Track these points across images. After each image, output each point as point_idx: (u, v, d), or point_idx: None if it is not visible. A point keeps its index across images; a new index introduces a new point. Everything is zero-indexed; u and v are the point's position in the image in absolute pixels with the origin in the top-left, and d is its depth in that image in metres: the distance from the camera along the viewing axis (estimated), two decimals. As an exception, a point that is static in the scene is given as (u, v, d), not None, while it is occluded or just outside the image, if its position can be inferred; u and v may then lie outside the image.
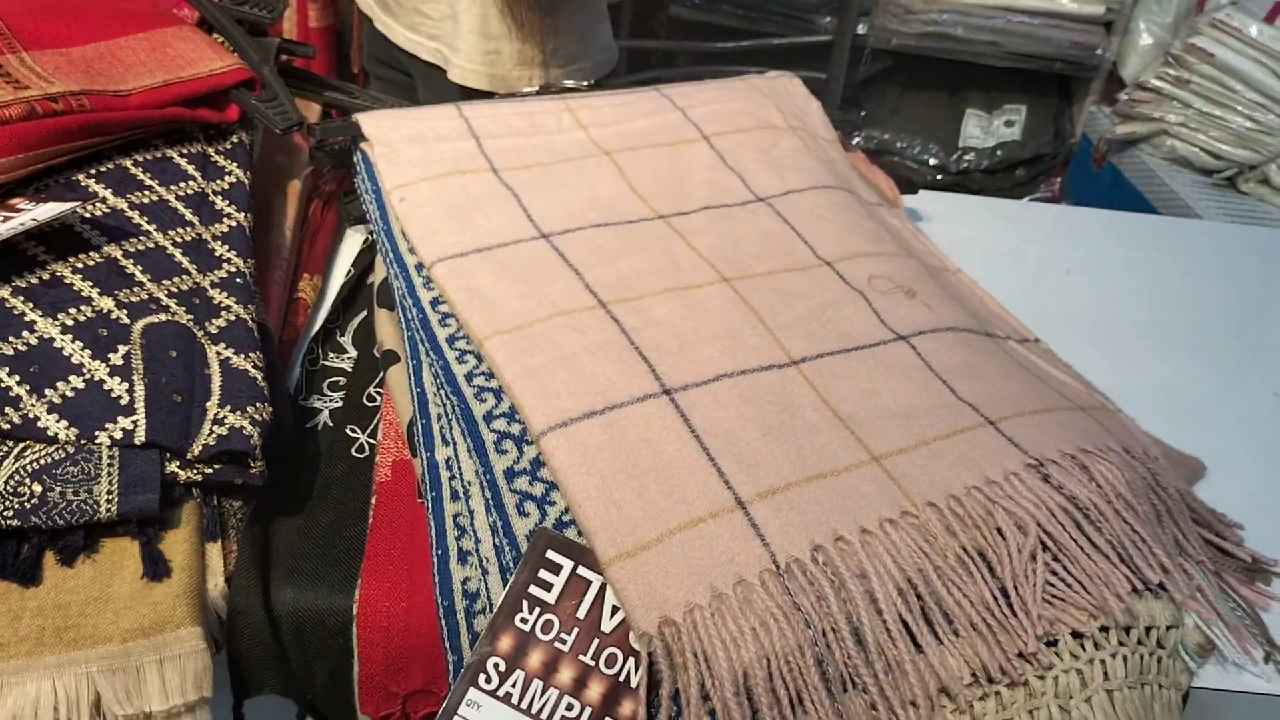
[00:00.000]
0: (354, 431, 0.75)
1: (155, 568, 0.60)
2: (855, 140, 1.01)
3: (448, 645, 0.60)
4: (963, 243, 1.00)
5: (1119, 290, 1.02)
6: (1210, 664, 0.65)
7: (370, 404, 0.77)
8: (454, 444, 0.66)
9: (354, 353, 0.82)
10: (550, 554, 0.60)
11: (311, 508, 0.69)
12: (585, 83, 1.09)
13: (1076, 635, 0.60)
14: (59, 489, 0.59)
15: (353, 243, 0.94)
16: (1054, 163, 1.88)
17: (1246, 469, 0.81)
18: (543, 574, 0.59)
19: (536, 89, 1.23)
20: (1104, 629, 0.60)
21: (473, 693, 0.57)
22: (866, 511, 0.62)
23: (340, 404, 0.77)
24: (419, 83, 1.46)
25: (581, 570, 0.60)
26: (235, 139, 0.84)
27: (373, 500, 0.69)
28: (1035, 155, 1.85)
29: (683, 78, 1.91)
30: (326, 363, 0.81)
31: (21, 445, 0.59)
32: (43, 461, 0.59)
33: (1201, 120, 1.59)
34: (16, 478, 0.58)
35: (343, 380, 0.80)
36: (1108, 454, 0.68)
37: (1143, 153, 1.66)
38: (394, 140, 0.86)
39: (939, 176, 1.89)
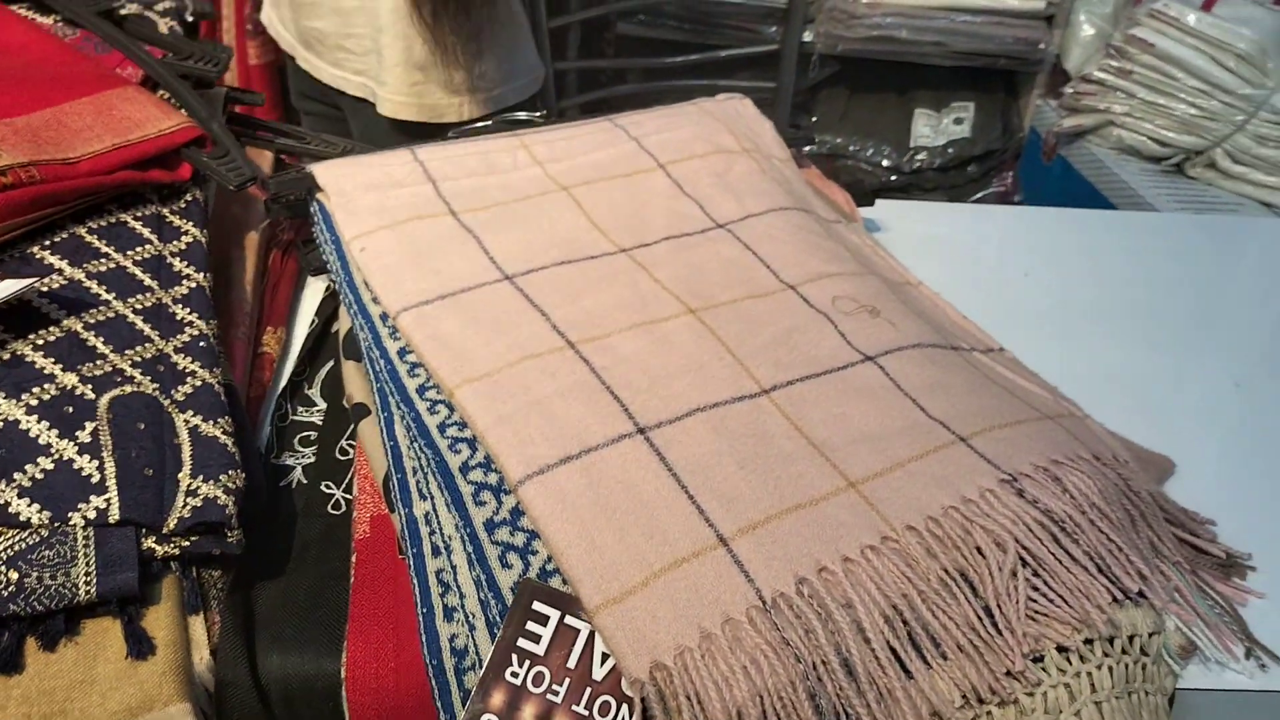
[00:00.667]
0: (329, 487, 0.74)
1: (139, 646, 0.59)
2: (807, 149, 1.01)
3: (439, 704, 0.60)
4: (921, 250, 1.01)
5: (1078, 289, 1.04)
6: (1193, 664, 0.66)
7: (343, 457, 0.77)
8: (431, 498, 0.66)
9: (323, 405, 0.82)
10: (536, 605, 0.60)
11: (291, 570, 0.68)
12: (537, 115, 1.09)
13: (1061, 649, 0.61)
14: (35, 574, 0.58)
15: (314, 291, 0.94)
16: (1004, 157, 1.91)
17: (1210, 461, 0.83)
18: (530, 626, 0.59)
19: (472, 119, 1.23)
20: (1088, 641, 0.61)
21: (468, 751, 0.57)
22: (847, 539, 0.62)
23: (313, 459, 0.77)
24: (349, 116, 1.46)
25: (569, 619, 0.59)
26: (189, 197, 0.83)
27: (353, 559, 0.68)
28: (986, 151, 1.88)
29: (633, 95, 1.92)
30: (296, 417, 0.81)
31: (-7, 533, 0.59)
32: (17, 547, 0.58)
33: (1146, 109, 1.62)
34: (-10, 566, 0.57)
35: (314, 435, 0.79)
36: (1079, 463, 0.69)
37: (1091, 144, 1.68)
38: (349, 189, 0.85)
39: (893, 178, 1.91)
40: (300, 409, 0.81)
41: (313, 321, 0.89)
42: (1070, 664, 0.61)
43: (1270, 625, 0.68)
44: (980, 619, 0.60)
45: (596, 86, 1.87)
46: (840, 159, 1.87)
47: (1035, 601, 0.62)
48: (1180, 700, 0.65)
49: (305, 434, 0.79)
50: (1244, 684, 0.66)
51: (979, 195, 1.92)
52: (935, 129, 1.88)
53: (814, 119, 1.90)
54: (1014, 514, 0.64)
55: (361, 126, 1.40)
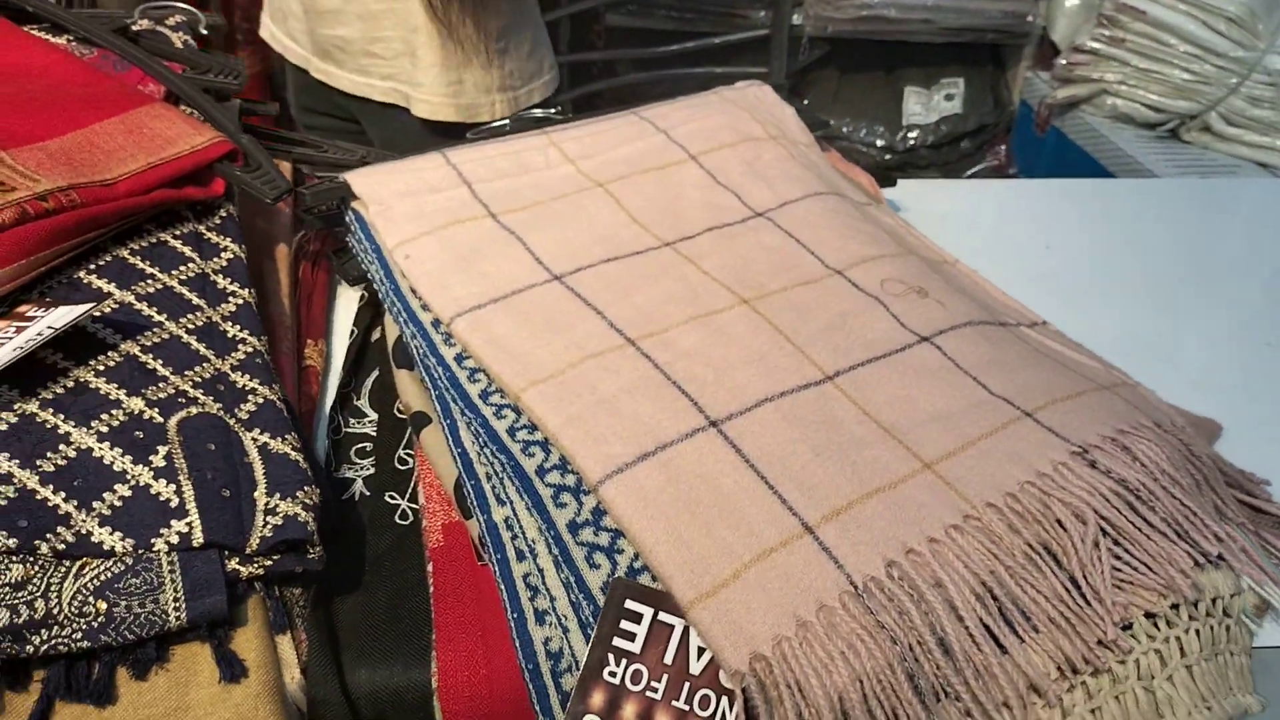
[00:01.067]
0: (393, 498, 0.74)
1: (231, 669, 0.58)
2: (819, 133, 1.02)
3: (538, 708, 0.60)
4: (945, 228, 1.01)
5: (1102, 259, 1.05)
6: (1266, 622, 0.67)
7: (403, 467, 0.77)
8: (510, 502, 0.66)
9: (374, 415, 0.81)
10: (629, 603, 0.60)
11: (367, 584, 0.68)
12: (553, 110, 1.09)
13: (1149, 616, 0.62)
14: (124, 603, 0.57)
15: (347, 301, 0.93)
16: (997, 131, 1.92)
17: (1253, 422, 0.83)
18: (624, 625, 0.59)
19: (502, 117, 1.23)
20: (1174, 606, 0.62)
21: (572, 753, 0.57)
22: (930, 520, 0.62)
23: (372, 470, 0.76)
24: (369, 125, 1.45)
25: (662, 616, 0.59)
26: (224, 213, 0.82)
27: (429, 568, 0.68)
28: (978, 126, 1.89)
29: (626, 86, 1.91)
30: (349, 429, 0.80)
31: (79, 563, 0.58)
32: (103, 577, 0.58)
33: (1140, 77, 1.63)
34: (80, 597, 0.57)
35: (369, 445, 0.79)
36: (1143, 431, 0.69)
37: (1085, 113, 1.70)
38: (386, 196, 0.84)
39: (887, 157, 1.91)
40: (352, 420, 0.81)
41: (352, 332, 0.88)
42: (1159, 630, 0.61)
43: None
44: (1068, 590, 0.61)
45: (587, 80, 1.86)
46: (833, 141, 1.87)
47: (1119, 570, 0.62)
48: (1256, 658, 0.66)
49: (361, 445, 0.79)
50: (1315, 639, 0.67)
51: (973, 170, 1.93)
52: (926, 106, 1.89)
53: (805, 102, 1.90)
54: (1089, 485, 0.65)
55: (387, 134, 1.40)
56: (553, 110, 1.11)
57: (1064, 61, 1.71)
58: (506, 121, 1.03)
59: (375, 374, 0.85)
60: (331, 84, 1.41)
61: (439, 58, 1.27)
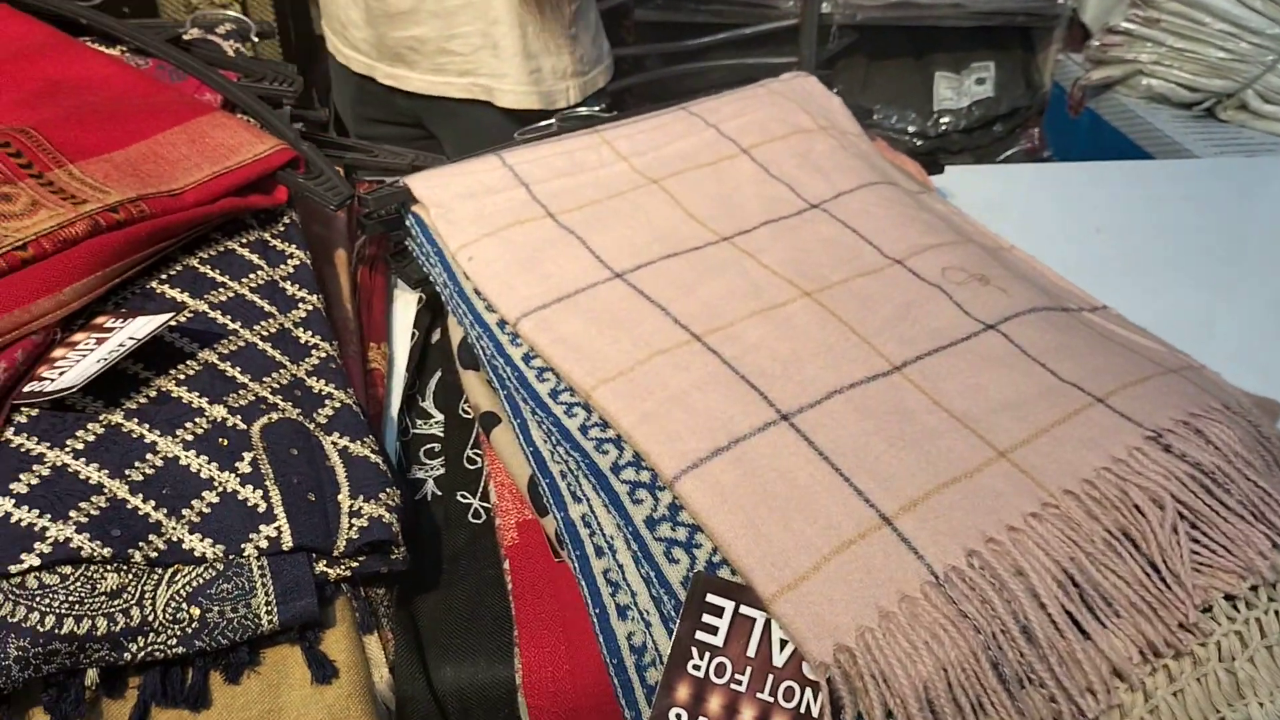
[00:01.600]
0: (465, 497, 0.75)
1: (323, 670, 0.59)
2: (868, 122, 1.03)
3: (623, 702, 0.60)
4: (994, 214, 1.01)
5: (1152, 240, 1.04)
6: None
7: (472, 466, 0.77)
8: (586, 499, 0.66)
9: (440, 416, 0.82)
10: (710, 597, 0.60)
11: (445, 583, 0.69)
12: (598, 108, 1.09)
13: (1229, 598, 0.62)
14: (217, 608, 0.58)
15: (405, 304, 0.94)
16: (1029, 114, 1.91)
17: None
18: (706, 618, 0.60)
19: (575, 103, 1.25)
20: (1253, 588, 0.62)
21: (661, 746, 0.58)
22: (1008, 509, 0.63)
23: (443, 470, 0.77)
24: (438, 126, 1.46)
25: (744, 609, 0.60)
26: (287, 220, 0.83)
27: (505, 565, 0.69)
28: (1010, 109, 1.88)
29: (657, 81, 1.91)
30: (417, 430, 0.81)
31: (171, 570, 0.59)
32: (195, 583, 0.59)
33: (1175, 56, 1.62)
34: (173, 604, 0.58)
35: (438, 446, 0.79)
36: (1214, 414, 0.69)
37: (1119, 94, 1.69)
38: (446, 199, 0.85)
39: (918, 143, 1.91)
40: (419, 421, 0.82)
41: (413, 334, 0.89)
42: (1239, 611, 0.62)
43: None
44: (1148, 575, 0.61)
45: (618, 75, 1.86)
46: (865, 128, 1.86)
47: (1198, 554, 0.63)
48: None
49: (429, 446, 0.79)
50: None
51: (1006, 154, 1.92)
52: (957, 91, 1.89)
53: (835, 90, 1.89)
54: (1165, 470, 0.65)
55: (459, 132, 1.41)
56: (598, 108, 1.11)
57: (1097, 43, 1.71)
58: (553, 122, 1.04)
59: (438, 375, 0.86)
60: (402, 88, 1.41)
61: (520, 47, 1.29)
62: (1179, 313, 0.91)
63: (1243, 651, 0.61)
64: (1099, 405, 0.69)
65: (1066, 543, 0.61)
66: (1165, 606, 0.61)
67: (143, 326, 0.66)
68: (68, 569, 0.56)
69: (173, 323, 0.69)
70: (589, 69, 1.40)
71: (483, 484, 0.76)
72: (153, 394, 0.66)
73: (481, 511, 0.74)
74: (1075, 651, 0.59)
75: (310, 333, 0.75)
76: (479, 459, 0.78)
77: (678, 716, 0.58)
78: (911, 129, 1.90)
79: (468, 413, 0.81)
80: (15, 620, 0.54)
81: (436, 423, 0.82)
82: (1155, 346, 0.79)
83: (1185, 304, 0.94)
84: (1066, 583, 0.60)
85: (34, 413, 0.63)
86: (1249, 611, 0.62)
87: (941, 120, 1.90)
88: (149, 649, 0.57)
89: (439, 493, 0.75)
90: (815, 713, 0.58)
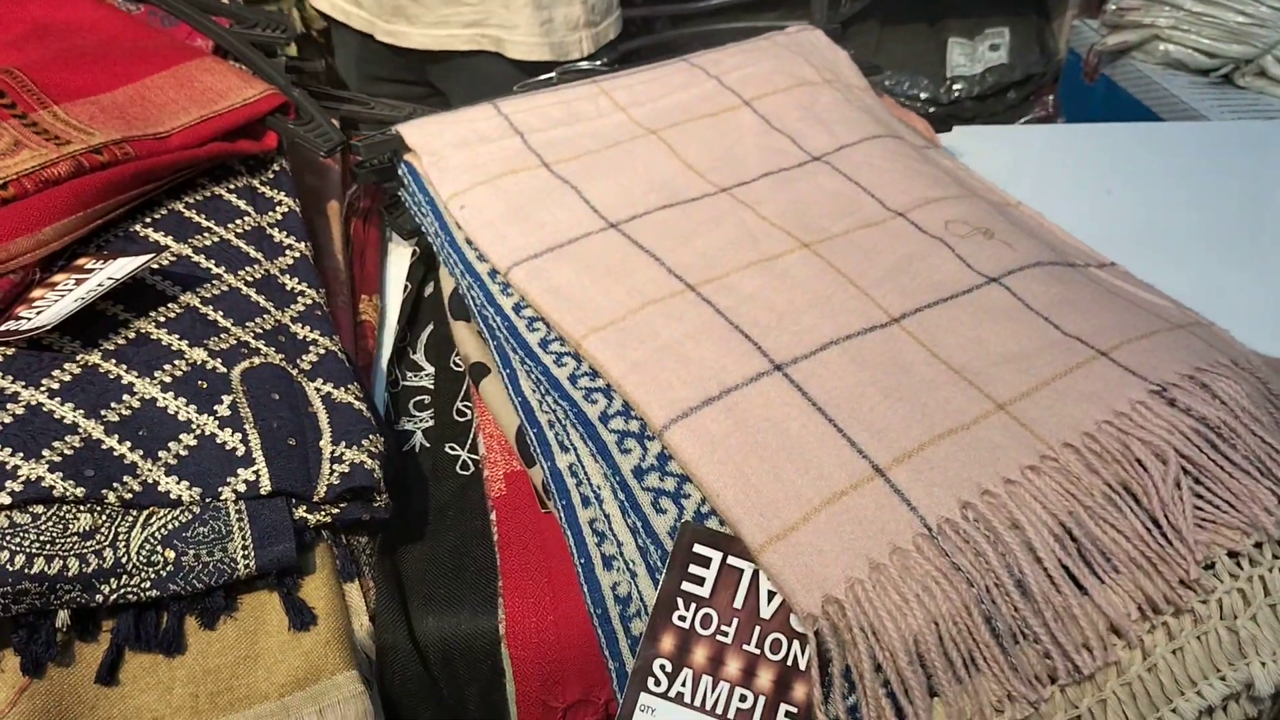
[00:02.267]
0: (453, 449, 0.74)
1: (301, 617, 0.58)
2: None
3: (607, 653, 0.59)
4: (998, 174, 0.99)
5: (1164, 202, 1.02)
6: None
7: (461, 419, 0.76)
8: (574, 449, 0.65)
9: (431, 369, 0.81)
10: (698, 548, 0.59)
11: (431, 533, 0.68)
12: (600, 62, 1.07)
13: (1232, 555, 0.60)
14: (192, 552, 0.57)
15: (399, 257, 0.92)
16: (1044, 81, 1.88)
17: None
18: (693, 569, 0.58)
19: (587, 54, 1.27)
20: (1258, 545, 0.60)
21: (644, 698, 0.56)
22: (1005, 461, 0.61)
23: (431, 423, 0.76)
24: (444, 81, 1.43)
25: (731, 560, 0.59)
26: (276, 167, 0.82)
27: (492, 516, 0.68)
28: (1025, 76, 1.85)
29: (665, 43, 1.88)
30: (406, 383, 0.80)
31: (146, 512, 0.58)
32: (171, 526, 0.58)
33: (1193, 21, 1.58)
34: (148, 547, 0.56)
35: (428, 398, 0.78)
36: (1221, 370, 0.67)
37: (1135, 60, 1.65)
38: (439, 148, 0.83)
39: (931, 109, 1.88)
40: (409, 374, 0.80)
41: (405, 286, 0.87)
42: (1242, 568, 0.60)
43: None
44: (1149, 530, 0.59)
45: (625, 37, 1.84)
46: (872, 84, 1.83)
47: (1201, 509, 0.61)
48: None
49: (419, 398, 0.78)
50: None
51: (1021, 121, 1.89)
52: (971, 57, 1.85)
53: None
54: (1169, 424, 0.63)
55: (467, 85, 1.39)
56: (599, 63, 1.09)
57: (1114, 7, 1.67)
58: (553, 75, 1.02)
59: (430, 328, 0.84)
60: (401, 44, 1.39)
61: None
62: (1188, 274, 0.89)
63: (1245, 609, 0.59)
64: (1102, 359, 0.67)
65: (1065, 496, 0.60)
66: (1166, 562, 0.59)
67: (122, 268, 0.64)
68: (40, 508, 0.55)
69: (154, 265, 0.68)
70: (600, 19, 1.38)
71: (472, 436, 0.74)
72: (132, 335, 0.65)
73: (470, 463, 0.73)
74: (1071, 607, 0.57)
75: (297, 279, 0.73)
76: (469, 411, 0.76)
77: (662, 667, 0.57)
78: (924, 95, 1.87)
79: (459, 366, 0.79)
80: (-16, 558, 0.53)
81: (427, 375, 0.80)
82: (1163, 303, 0.77)
83: (1195, 266, 0.92)
84: (1064, 537, 0.58)
85: (10, 352, 0.62)
86: (1253, 569, 0.60)
87: (955, 87, 1.86)
88: (122, 591, 0.56)
89: (427, 444, 0.74)
90: (802, 665, 0.57)
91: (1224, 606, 0.59)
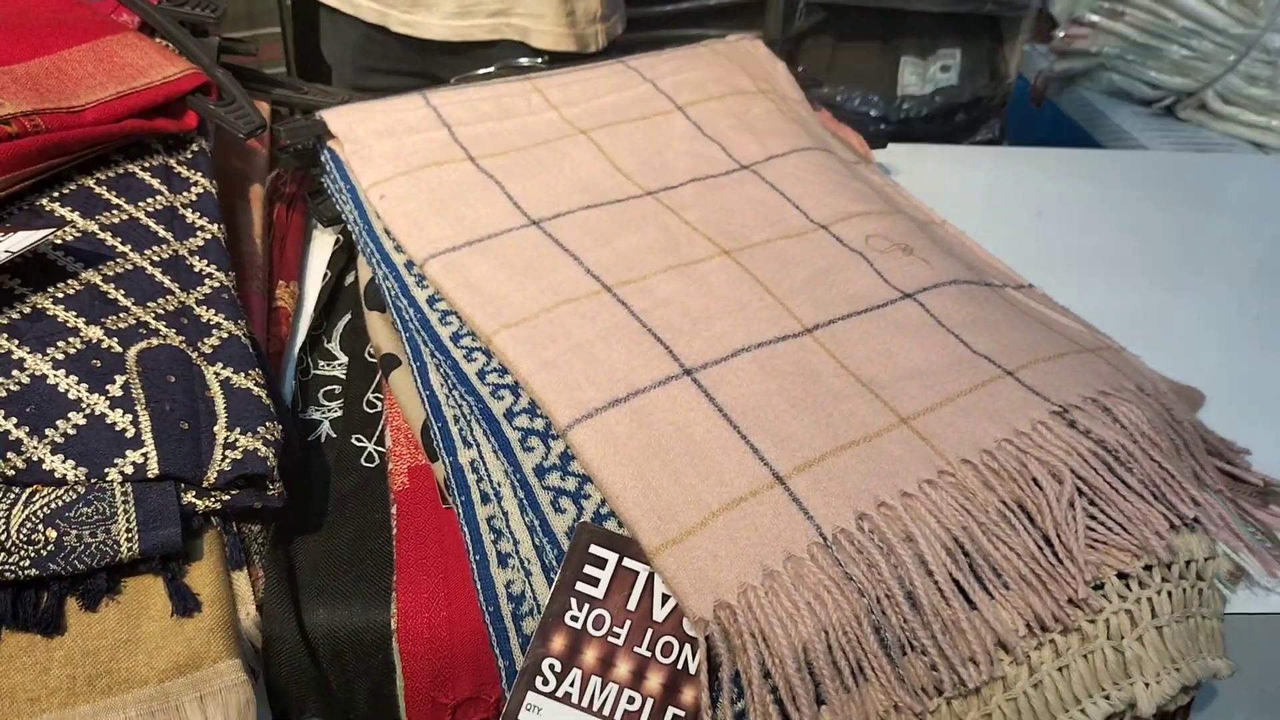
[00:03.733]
0: (360, 440, 0.73)
1: (184, 603, 0.57)
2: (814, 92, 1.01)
3: (498, 651, 0.58)
4: (934, 192, 1.00)
5: (1092, 227, 1.03)
6: (1240, 590, 0.66)
7: (371, 410, 0.75)
8: (476, 445, 0.64)
9: (344, 358, 0.80)
10: (594, 549, 0.59)
11: (330, 524, 0.67)
12: (539, 60, 1.07)
13: (1122, 576, 0.61)
14: (75, 532, 0.56)
15: (323, 244, 0.91)
16: (993, 105, 1.90)
17: (1237, 392, 0.82)
18: (588, 569, 0.58)
19: (601, 47, 1.29)
20: (1147, 567, 0.61)
21: (531, 696, 0.56)
22: (904, 474, 0.61)
23: (340, 413, 0.75)
24: (458, 69, 1.40)
25: (627, 562, 0.58)
26: (195, 148, 0.80)
27: (393, 510, 0.67)
28: (974, 99, 1.87)
29: (621, 47, 1.88)
30: (318, 371, 0.79)
31: (29, 491, 0.56)
32: (54, 505, 0.56)
33: (1138, 52, 1.61)
34: (29, 525, 0.55)
35: (338, 388, 0.77)
36: (1125, 394, 0.68)
37: (1081, 88, 1.68)
38: (363, 135, 0.83)
39: (881, 127, 1.89)
40: (321, 363, 0.79)
41: (325, 274, 0.86)
42: (1131, 590, 0.61)
43: (1312, 551, 0.68)
44: (1040, 548, 0.60)
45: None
46: (827, 109, 1.84)
47: (1094, 530, 0.61)
48: (1228, 624, 0.65)
49: (329, 388, 0.77)
50: (1291, 608, 0.66)
51: (967, 143, 1.91)
52: (922, 77, 1.87)
53: (800, 69, 1.87)
54: (1067, 445, 0.63)
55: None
56: (538, 60, 1.08)
57: (1062, 34, 1.69)
58: (493, 69, 1.01)
59: (347, 318, 0.83)
60: (419, 34, 1.36)
61: None
62: (1107, 298, 0.90)
63: (1132, 630, 0.60)
64: (1008, 378, 0.68)
65: (960, 511, 0.60)
66: (1055, 580, 0.59)
67: (19, 241, 0.63)
68: (-85, 482, 0.53)
69: (56, 239, 0.66)
70: (611, 13, 1.39)
71: (380, 428, 0.73)
72: (27, 310, 0.63)
73: (376, 456, 0.72)
74: (960, 620, 0.57)
75: (206, 261, 0.72)
76: (379, 403, 0.75)
77: (551, 667, 0.56)
78: (874, 113, 1.89)
79: (373, 357, 0.78)
80: None
81: (340, 365, 0.79)
82: (1075, 326, 0.78)
83: (1116, 290, 0.93)
84: (956, 551, 0.59)
85: (-104, 322, 0.60)
86: (1141, 590, 0.61)
87: (904, 106, 1.88)
88: (0, 569, 0.54)
89: (334, 435, 0.73)
90: (692, 669, 0.56)
91: (1111, 626, 0.60)
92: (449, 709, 0.62)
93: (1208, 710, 0.70)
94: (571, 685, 0.56)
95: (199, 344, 0.66)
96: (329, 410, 0.75)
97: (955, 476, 0.61)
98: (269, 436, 0.61)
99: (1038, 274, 0.86)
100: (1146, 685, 0.59)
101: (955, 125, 1.89)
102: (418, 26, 1.35)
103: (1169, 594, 0.61)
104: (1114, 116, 1.61)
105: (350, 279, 0.87)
